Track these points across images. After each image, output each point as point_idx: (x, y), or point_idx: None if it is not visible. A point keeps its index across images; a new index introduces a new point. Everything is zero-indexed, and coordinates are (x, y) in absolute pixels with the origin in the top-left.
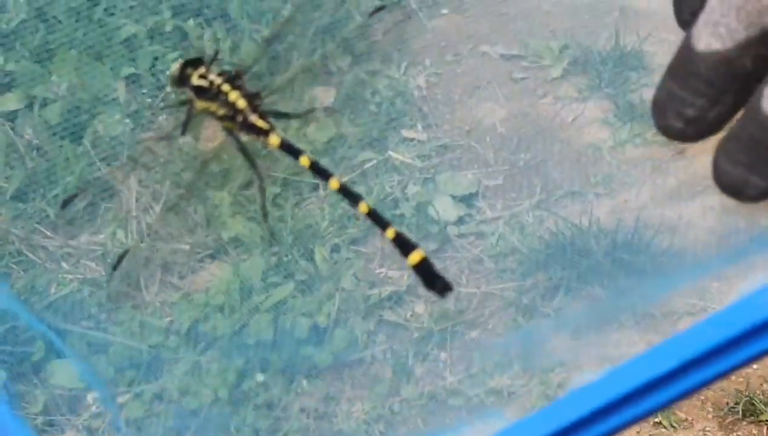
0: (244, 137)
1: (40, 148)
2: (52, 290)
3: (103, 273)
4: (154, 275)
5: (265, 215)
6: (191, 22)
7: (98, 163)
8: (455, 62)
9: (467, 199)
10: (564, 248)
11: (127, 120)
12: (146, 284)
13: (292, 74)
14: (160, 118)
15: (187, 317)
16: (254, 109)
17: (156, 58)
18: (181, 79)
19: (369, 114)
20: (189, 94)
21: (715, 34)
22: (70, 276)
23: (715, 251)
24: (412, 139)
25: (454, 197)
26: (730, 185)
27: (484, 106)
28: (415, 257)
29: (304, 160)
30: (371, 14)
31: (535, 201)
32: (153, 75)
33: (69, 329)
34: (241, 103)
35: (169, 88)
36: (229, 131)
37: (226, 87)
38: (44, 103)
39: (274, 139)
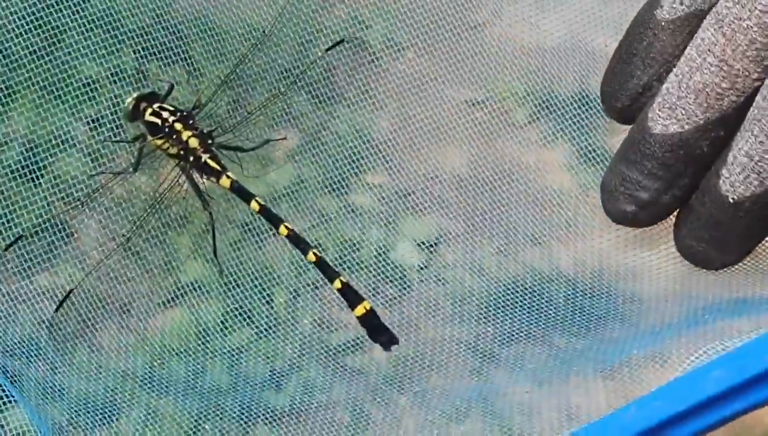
0: (196, 177)
1: None
2: (8, 333)
3: (59, 315)
4: (112, 318)
5: (215, 251)
6: (152, 64)
7: (57, 204)
8: (419, 106)
9: (428, 244)
10: (524, 293)
11: (87, 160)
12: (103, 326)
13: (249, 114)
14: (119, 158)
15: (144, 361)
16: (206, 149)
17: (116, 99)
18: (134, 115)
19: (330, 158)
20: (142, 130)
21: (673, 116)
22: (27, 319)
23: (678, 297)
24: (374, 184)
25: (415, 242)
26: (693, 259)
27: (447, 151)
28: (360, 309)
29: (254, 205)
30: (328, 49)
31: (497, 246)
32: (113, 115)
33: (24, 373)
34: (194, 142)
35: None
36: (182, 169)
37: (178, 125)
38: (2, 144)
39: (225, 181)
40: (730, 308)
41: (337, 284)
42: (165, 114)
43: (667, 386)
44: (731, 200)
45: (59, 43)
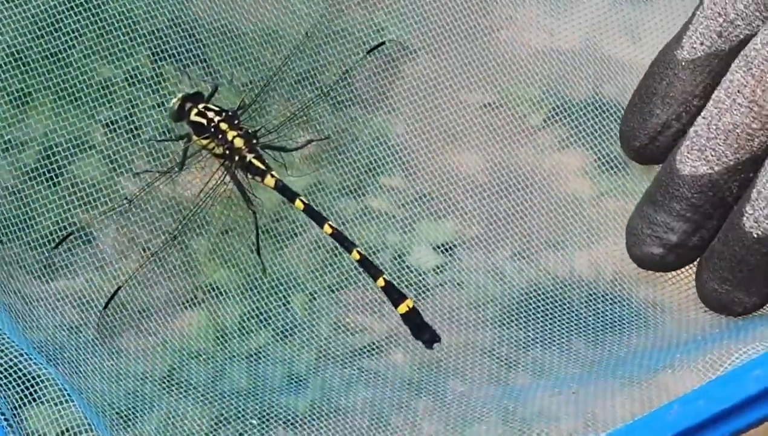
0: (240, 176)
1: (17, 193)
2: (28, 335)
3: (79, 318)
4: (132, 321)
5: (258, 249)
6: (170, 66)
7: (75, 207)
8: (435, 110)
9: (446, 249)
10: (543, 299)
11: (105, 163)
12: (123, 329)
13: (292, 114)
14: (139, 161)
15: (163, 364)
16: (251, 148)
17: (133, 102)
18: (180, 115)
19: (348, 161)
20: (187, 129)
21: (702, 157)
22: (49, 321)
23: (693, 303)
24: (391, 188)
25: (433, 246)
26: (716, 302)
27: (463, 155)
28: (404, 306)
29: (299, 204)
30: (369, 51)
31: (514, 251)
32: (131, 118)
33: (44, 375)
34: (239, 142)
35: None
36: (227, 169)
37: (224, 125)
38: (20, 146)
39: (269, 180)
40: (756, 317)
41: (381, 281)
42: (210, 114)
43: (709, 385)
44: (755, 236)
45: (75, 46)
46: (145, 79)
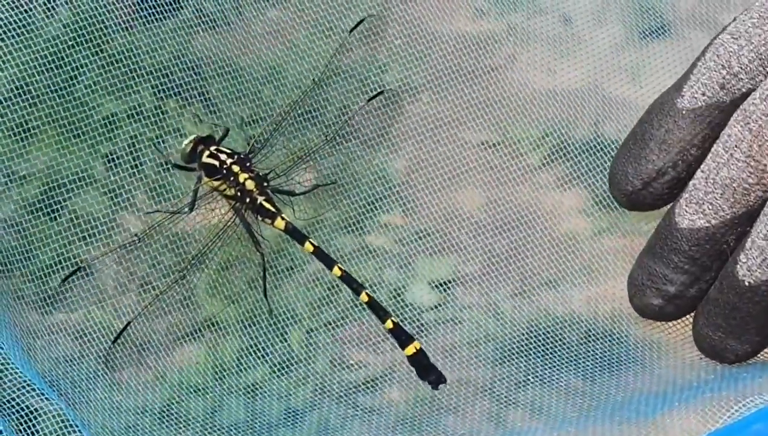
0: (249, 218)
1: (15, 225)
2: (26, 368)
3: (78, 352)
4: (132, 355)
5: (265, 291)
6: (171, 102)
7: (75, 241)
8: (435, 148)
9: (444, 286)
10: (540, 337)
11: (105, 199)
12: (122, 363)
13: (299, 159)
14: (135, 198)
15: (161, 398)
16: (262, 191)
17: (134, 137)
18: (191, 157)
19: (347, 198)
20: (198, 171)
21: (700, 211)
22: (45, 355)
23: (690, 345)
24: (390, 225)
25: (431, 284)
26: (709, 349)
27: (462, 193)
28: (411, 348)
29: (308, 246)
30: (370, 99)
31: (512, 289)
32: (133, 154)
33: (42, 409)
34: (250, 185)
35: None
36: (236, 211)
37: (236, 167)
38: (23, 180)
39: (279, 223)
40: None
41: (389, 324)
42: (223, 156)
43: None
44: (747, 284)
45: (78, 80)
46: (150, 116)
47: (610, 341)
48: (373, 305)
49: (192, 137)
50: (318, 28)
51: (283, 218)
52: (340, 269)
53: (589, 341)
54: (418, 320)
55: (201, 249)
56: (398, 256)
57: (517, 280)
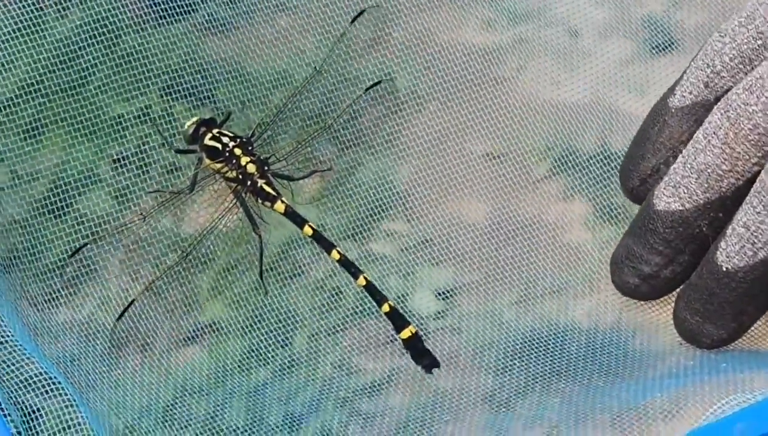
0: (249, 201)
1: (23, 224)
2: (27, 367)
3: (81, 351)
4: (133, 355)
5: (261, 273)
6: (180, 105)
7: (80, 241)
8: (440, 157)
9: (447, 294)
10: (541, 345)
11: (111, 199)
12: (123, 363)
13: (298, 144)
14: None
15: (163, 399)
16: (262, 174)
17: (143, 138)
18: (193, 138)
19: (352, 204)
20: (199, 153)
21: (675, 195)
22: (47, 353)
23: (692, 354)
24: (393, 232)
25: (433, 291)
26: (687, 332)
27: (467, 202)
28: (407, 332)
29: (307, 229)
30: (367, 88)
31: (514, 298)
32: (141, 155)
33: (43, 407)
34: (251, 168)
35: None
36: (236, 193)
37: (238, 151)
38: (30, 179)
39: (279, 206)
40: (749, 360)
41: (386, 307)
42: (225, 139)
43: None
44: (725, 269)
45: (89, 80)
46: (157, 118)
47: (609, 353)
48: (371, 289)
49: (194, 119)
50: (325, 36)
51: (282, 202)
52: (338, 252)
53: (590, 352)
54: (420, 327)
55: (207, 226)
56: (402, 264)
57: (520, 289)
